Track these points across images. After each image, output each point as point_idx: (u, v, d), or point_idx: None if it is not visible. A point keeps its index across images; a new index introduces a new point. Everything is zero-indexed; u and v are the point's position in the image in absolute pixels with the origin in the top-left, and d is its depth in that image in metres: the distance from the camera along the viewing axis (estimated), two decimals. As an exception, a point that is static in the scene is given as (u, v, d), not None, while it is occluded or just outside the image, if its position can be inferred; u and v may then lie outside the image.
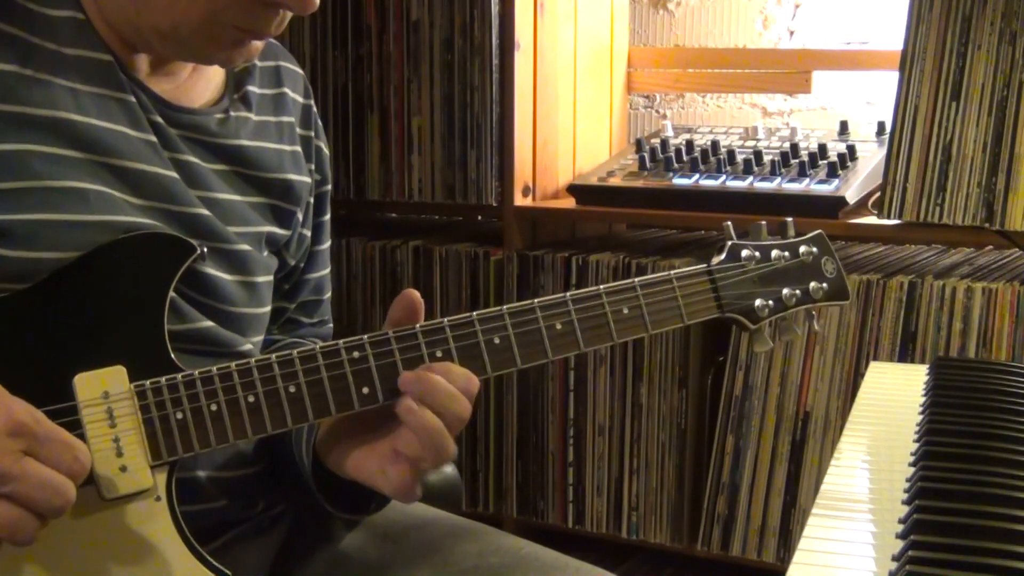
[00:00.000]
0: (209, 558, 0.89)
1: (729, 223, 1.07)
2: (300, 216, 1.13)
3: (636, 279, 1.01)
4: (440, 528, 1.14)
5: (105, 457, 0.86)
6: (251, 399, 0.90)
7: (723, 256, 1.06)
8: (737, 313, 1.05)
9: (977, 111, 1.80)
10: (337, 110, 2.29)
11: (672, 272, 1.03)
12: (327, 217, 1.20)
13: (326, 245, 1.21)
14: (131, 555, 0.87)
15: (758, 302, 1.06)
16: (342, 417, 0.95)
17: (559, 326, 0.97)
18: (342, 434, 0.98)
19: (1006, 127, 1.78)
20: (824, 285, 1.10)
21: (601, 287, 0.99)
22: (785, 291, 1.07)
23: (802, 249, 1.09)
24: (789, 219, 1.11)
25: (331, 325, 1.25)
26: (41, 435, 0.80)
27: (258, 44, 1.00)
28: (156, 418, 0.88)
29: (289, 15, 0.98)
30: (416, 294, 0.96)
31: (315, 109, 1.18)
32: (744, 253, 1.06)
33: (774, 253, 1.08)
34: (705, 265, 1.05)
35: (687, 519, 2.08)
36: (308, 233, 1.16)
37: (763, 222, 1.10)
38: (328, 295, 1.23)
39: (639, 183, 2.09)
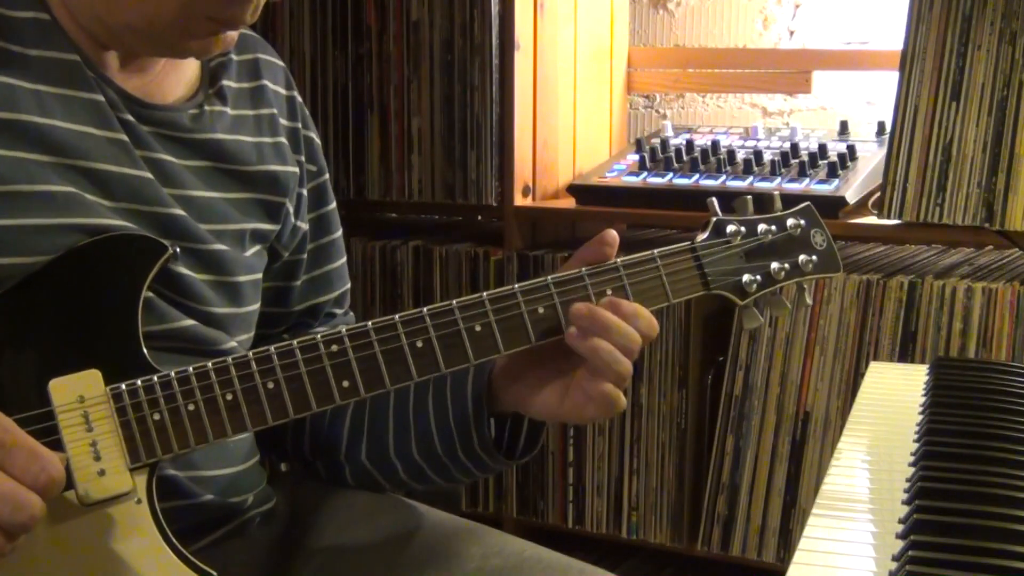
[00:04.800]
0: (193, 559, 0.88)
1: (713, 199, 1.06)
2: (291, 208, 1.12)
3: (619, 259, 1.00)
4: (442, 529, 1.13)
5: (83, 461, 0.85)
6: (229, 397, 0.89)
7: (707, 233, 1.04)
8: (724, 290, 1.04)
9: (977, 111, 1.80)
10: (337, 110, 2.29)
11: (655, 251, 1.02)
12: (332, 207, 1.20)
13: (338, 234, 1.21)
14: (113, 559, 0.87)
15: (746, 277, 1.04)
16: (517, 361, 1.00)
17: (541, 310, 0.97)
18: (522, 374, 1.01)
19: (1006, 127, 1.78)
20: (814, 258, 1.07)
21: (583, 269, 0.99)
22: (774, 265, 1.05)
23: (790, 222, 1.07)
24: (776, 192, 1.09)
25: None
26: (8, 444, 0.79)
27: (233, 34, 0.99)
28: (133, 420, 0.87)
29: (262, 2, 0.97)
30: (614, 234, 1.01)
31: (300, 100, 1.16)
32: (729, 228, 1.04)
33: (760, 227, 1.05)
34: (689, 242, 1.04)
35: (687, 519, 2.08)
36: (304, 226, 1.15)
37: (748, 196, 1.07)
38: (349, 283, 1.24)
39: (639, 183, 2.09)
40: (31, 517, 0.78)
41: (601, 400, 0.96)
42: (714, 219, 1.05)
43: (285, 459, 1.22)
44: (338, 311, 1.22)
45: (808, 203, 1.10)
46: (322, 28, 2.29)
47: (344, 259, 1.22)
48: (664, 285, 1.01)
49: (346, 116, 2.28)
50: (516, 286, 0.97)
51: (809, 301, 1.11)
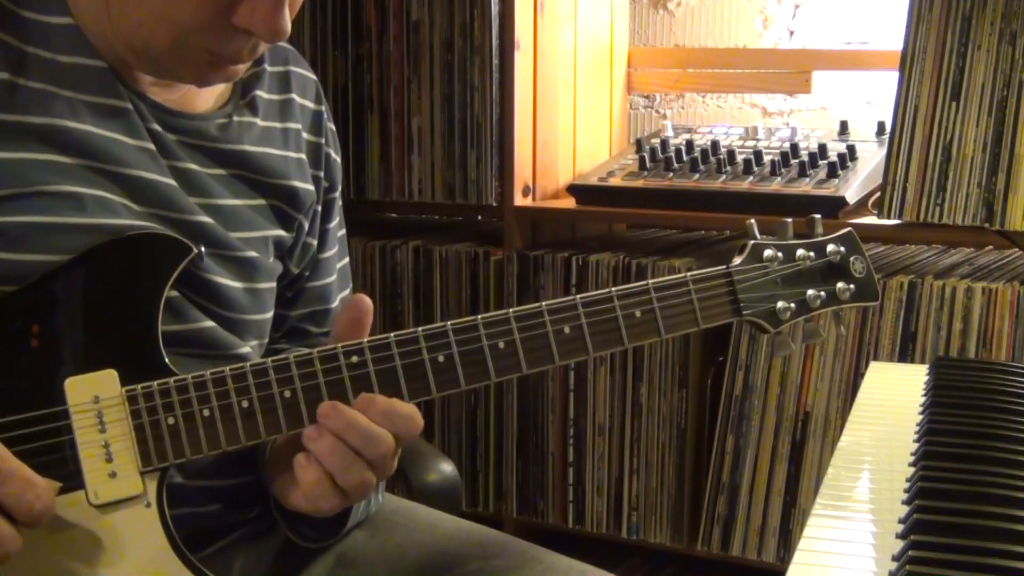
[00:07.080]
0: (199, 565, 0.88)
1: (753, 221, 1.02)
2: (306, 225, 1.11)
3: (650, 281, 0.96)
4: (443, 531, 1.13)
5: (94, 463, 0.85)
6: (245, 404, 0.88)
7: (743, 256, 1.00)
8: (756, 317, 1.00)
9: (977, 111, 1.80)
10: (337, 110, 2.29)
11: (688, 274, 0.98)
12: (334, 224, 1.17)
13: (331, 252, 1.17)
14: (120, 562, 0.87)
15: (780, 304, 1.00)
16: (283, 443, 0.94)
17: (567, 330, 0.93)
18: (282, 458, 0.95)
19: (1006, 127, 1.78)
20: (852, 286, 1.04)
21: (613, 289, 0.95)
22: (810, 292, 1.02)
23: (829, 248, 1.03)
24: (817, 216, 1.05)
25: None
26: (3, 472, 0.79)
27: (237, 67, 0.98)
28: (147, 423, 0.87)
29: (262, 44, 0.96)
30: (367, 302, 0.93)
31: (327, 115, 1.15)
32: (767, 253, 1.00)
33: (799, 252, 1.02)
34: (724, 267, 1.00)
35: (687, 519, 2.08)
36: (314, 243, 1.14)
37: (789, 220, 1.04)
38: (336, 304, 1.17)
39: (639, 183, 2.09)
40: (5, 555, 0.79)
41: (309, 489, 0.88)
42: (751, 242, 1.01)
43: None
44: (313, 329, 1.16)
45: (850, 229, 1.06)
46: (322, 28, 2.29)
47: (331, 279, 1.17)
48: (695, 310, 0.97)
49: (346, 116, 2.28)
50: (543, 304, 0.94)
51: (843, 331, 1.08)
